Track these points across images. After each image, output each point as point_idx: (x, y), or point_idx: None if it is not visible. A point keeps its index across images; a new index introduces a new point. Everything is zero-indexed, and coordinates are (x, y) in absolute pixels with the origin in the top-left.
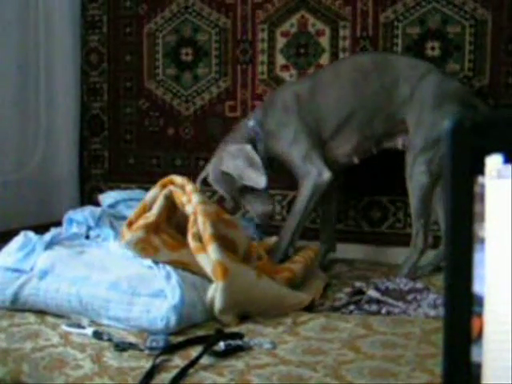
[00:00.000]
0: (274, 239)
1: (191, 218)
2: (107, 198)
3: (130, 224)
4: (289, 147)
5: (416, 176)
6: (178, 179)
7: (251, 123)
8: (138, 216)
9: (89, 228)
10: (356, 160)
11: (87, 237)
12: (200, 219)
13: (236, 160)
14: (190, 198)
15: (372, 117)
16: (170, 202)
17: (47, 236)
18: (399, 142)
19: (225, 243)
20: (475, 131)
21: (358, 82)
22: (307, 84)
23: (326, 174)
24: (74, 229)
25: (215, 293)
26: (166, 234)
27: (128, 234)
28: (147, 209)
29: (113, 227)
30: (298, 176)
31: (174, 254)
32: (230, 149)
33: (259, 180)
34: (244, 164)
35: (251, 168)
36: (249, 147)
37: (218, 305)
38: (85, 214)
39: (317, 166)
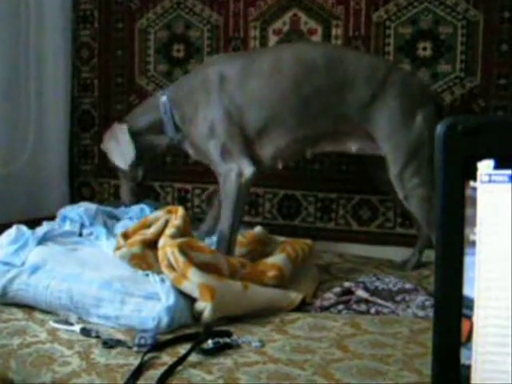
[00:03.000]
0: (257, 229)
1: (160, 253)
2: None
3: (126, 236)
4: (206, 138)
5: (412, 192)
6: (180, 211)
7: (163, 98)
8: (136, 230)
9: (82, 226)
10: (280, 165)
11: (80, 234)
12: (168, 250)
13: (111, 139)
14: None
15: (314, 117)
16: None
17: (40, 231)
18: (352, 147)
19: (207, 268)
20: (467, 136)
21: (302, 76)
22: (238, 65)
23: (248, 171)
24: (68, 226)
25: (204, 310)
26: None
27: (123, 248)
28: (146, 225)
29: (106, 226)
30: (217, 173)
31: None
32: (113, 127)
33: (119, 163)
34: (114, 144)
35: (117, 149)
36: (124, 127)
37: (205, 320)
38: (79, 211)
39: (237, 162)
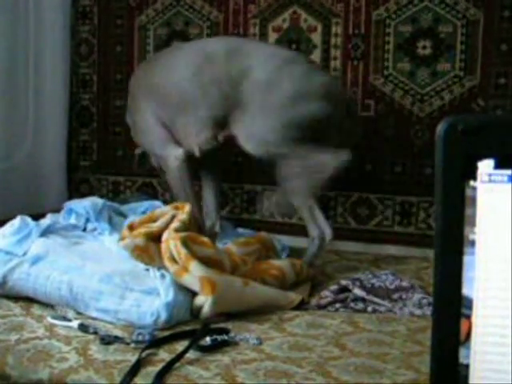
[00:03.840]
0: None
1: (163, 246)
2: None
3: (131, 227)
4: (145, 139)
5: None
6: (187, 207)
7: None
8: (143, 223)
9: (87, 220)
10: (197, 152)
11: (84, 229)
12: (171, 243)
13: None
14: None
15: (215, 104)
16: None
17: (44, 223)
18: None
19: (209, 263)
20: (467, 135)
21: (201, 67)
22: (160, 63)
23: (177, 153)
24: (72, 220)
25: (204, 304)
26: None
27: (127, 239)
28: (153, 219)
29: (111, 222)
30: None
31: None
32: None
33: None
34: None
35: None
36: None
37: (205, 314)
38: (86, 205)
39: (169, 149)
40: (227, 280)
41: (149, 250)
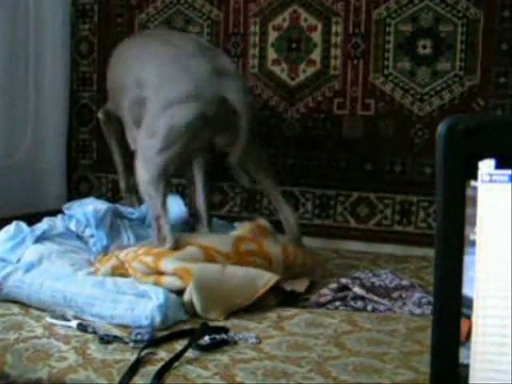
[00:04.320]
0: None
1: (130, 272)
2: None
3: (99, 260)
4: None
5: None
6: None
7: None
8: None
9: (86, 226)
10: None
11: (78, 236)
12: (134, 264)
13: None
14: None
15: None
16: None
17: (39, 229)
18: None
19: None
20: (468, 135)
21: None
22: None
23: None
24: (72, 226)
25: (190, 295)
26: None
27: (102, 267)
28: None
29: (112, 228)
30: None
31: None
32: None
33: None
34: None
35: None
36: None
37: (197, 304)
38: (87, 213)
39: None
40: (203, 265)
41: (125, 266)
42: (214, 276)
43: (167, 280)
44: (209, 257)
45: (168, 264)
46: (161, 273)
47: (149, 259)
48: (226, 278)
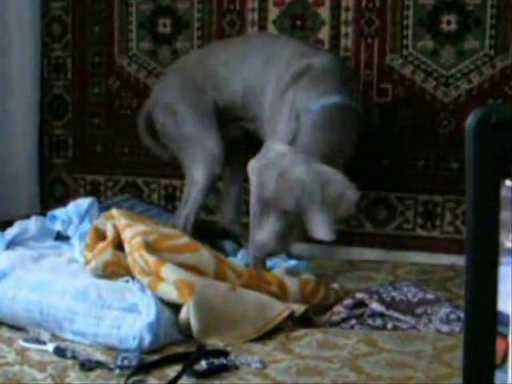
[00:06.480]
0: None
1: (129, 260)
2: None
3: (89, 248)
4: None
5: None
6: (115, 213)
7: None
8: (95, 238)
9: (69, 224)
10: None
11: (59, 236)
12: (136, 254)
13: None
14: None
15: None
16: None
17: (10, 234)
18: None
19: (185, 269)
20: (502, 128)
21: None
22: None
23: None
24: (58, 226)
25: (188, 314)
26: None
27: (93, 261)
28: (100, 232)
29: None
30: None
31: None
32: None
33: None
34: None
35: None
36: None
37: (194, 326)
38: (69, 210)
39: None
40: (209, 282)
41: (120, 261)
42: (219, 297)
43: (164, 288)
44: (220, 269)
45: (170, 272)
46: (159, 277)
47: (151, 259)
48: (234, 301)
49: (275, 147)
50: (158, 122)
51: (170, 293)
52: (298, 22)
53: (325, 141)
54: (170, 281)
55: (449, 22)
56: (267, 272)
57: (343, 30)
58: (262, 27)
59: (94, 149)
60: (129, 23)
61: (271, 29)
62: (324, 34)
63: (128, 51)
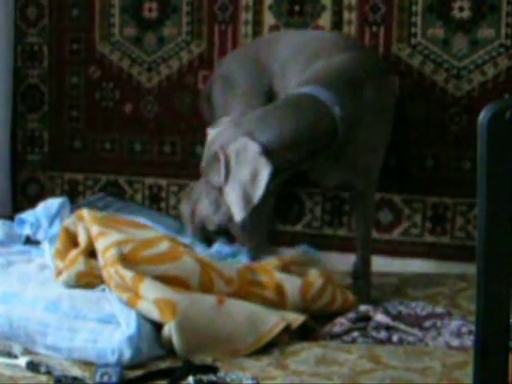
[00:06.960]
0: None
1: (103, 274)
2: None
3: (60, 255)
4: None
5: None
6: (85, 214)
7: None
8: (65, 245)
9: (38, 228)
10: None
11: (29, 240)
12: (110, 269)
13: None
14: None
15: None
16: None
17: None
18: None
19: (166, 281)
20: None
21: None
22: None
23: None
24: (27, 230)
25: (170, 332)
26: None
27: (64, 272)
28: (71, 234)
29: None
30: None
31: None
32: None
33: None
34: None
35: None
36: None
37: (177, 347)
38: (37, 212)
39: None
40: (193, 299)
41: (93, 270)
42: (204, 315)
43: (143, 306)
44: (206, 278)
45: (149, 290)
46: (138, 295)
47: (128, 274)
48: (221, 318)
49: (223, 120)
50: (215, 95)
51: (150, 312)
52: (297, 7)
53: (270, 126)
54: (150, 299)
55: (461, 9)
56: (262, 272)
57: (346, 16)
58: (257, 12)
59: (72, 144)
60: (111, 7)
61: (267, 14)
62: (325, 20)
63: (110, 37)
